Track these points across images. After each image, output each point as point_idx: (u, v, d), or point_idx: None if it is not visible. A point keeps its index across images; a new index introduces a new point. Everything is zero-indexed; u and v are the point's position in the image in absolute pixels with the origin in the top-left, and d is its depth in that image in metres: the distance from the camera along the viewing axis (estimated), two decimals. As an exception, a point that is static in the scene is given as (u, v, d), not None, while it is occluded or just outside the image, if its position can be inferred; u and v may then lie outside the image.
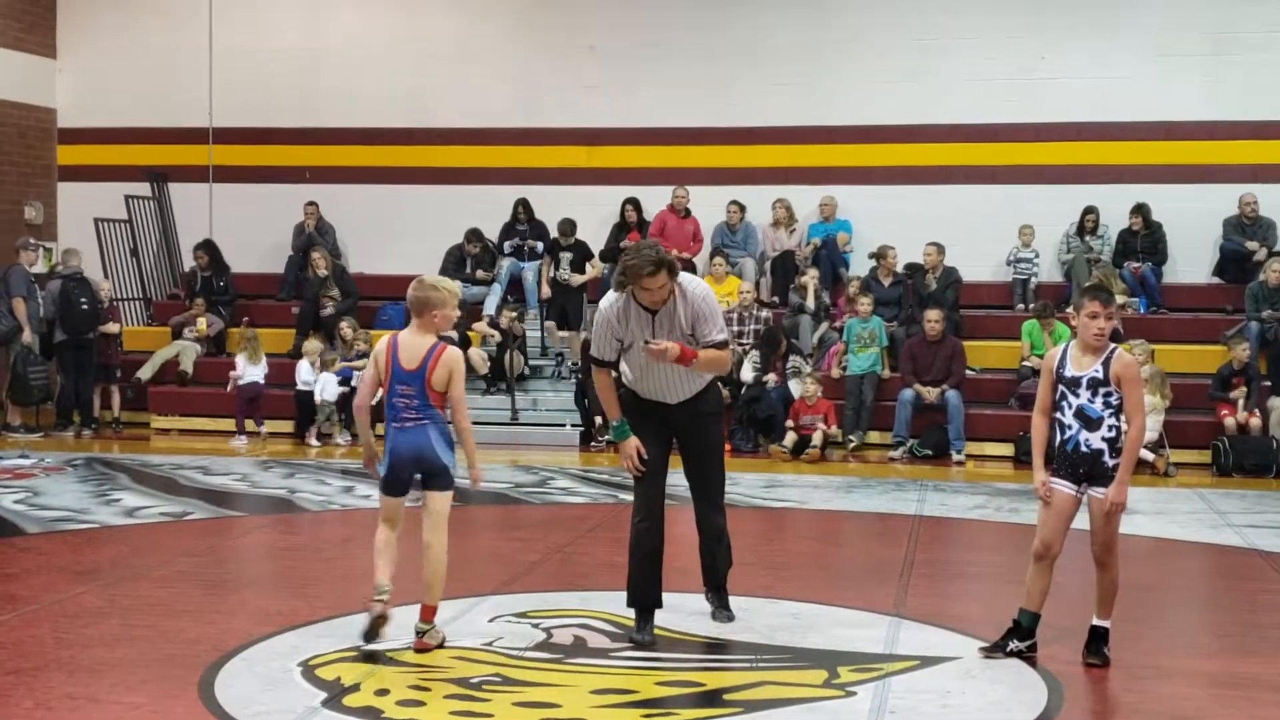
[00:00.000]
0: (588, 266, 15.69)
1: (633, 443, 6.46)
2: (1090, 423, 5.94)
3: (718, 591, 6.89)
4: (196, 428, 15.06)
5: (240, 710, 5.28)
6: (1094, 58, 15.70)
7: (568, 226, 15.76)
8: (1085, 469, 5.98)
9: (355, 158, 17.00)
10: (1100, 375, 5.92)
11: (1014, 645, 6.13)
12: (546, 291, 15.71)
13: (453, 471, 6.26)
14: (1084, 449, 5.96)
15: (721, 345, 6.39)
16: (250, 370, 14.73)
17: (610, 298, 6.44)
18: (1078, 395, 5.96)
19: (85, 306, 14.76)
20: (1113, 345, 6.02)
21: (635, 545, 6.52)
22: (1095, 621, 6.14)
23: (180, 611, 6.87)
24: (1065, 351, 6.08)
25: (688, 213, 15.86)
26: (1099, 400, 5.92)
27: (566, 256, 15.61)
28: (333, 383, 14.33)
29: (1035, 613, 6.14)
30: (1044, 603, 6.15)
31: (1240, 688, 5.91)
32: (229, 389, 14.83)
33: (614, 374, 6.62)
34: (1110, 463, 5.94)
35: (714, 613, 6.85)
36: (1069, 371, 6.01)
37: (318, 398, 14.29)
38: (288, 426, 14.58)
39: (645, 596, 6.50)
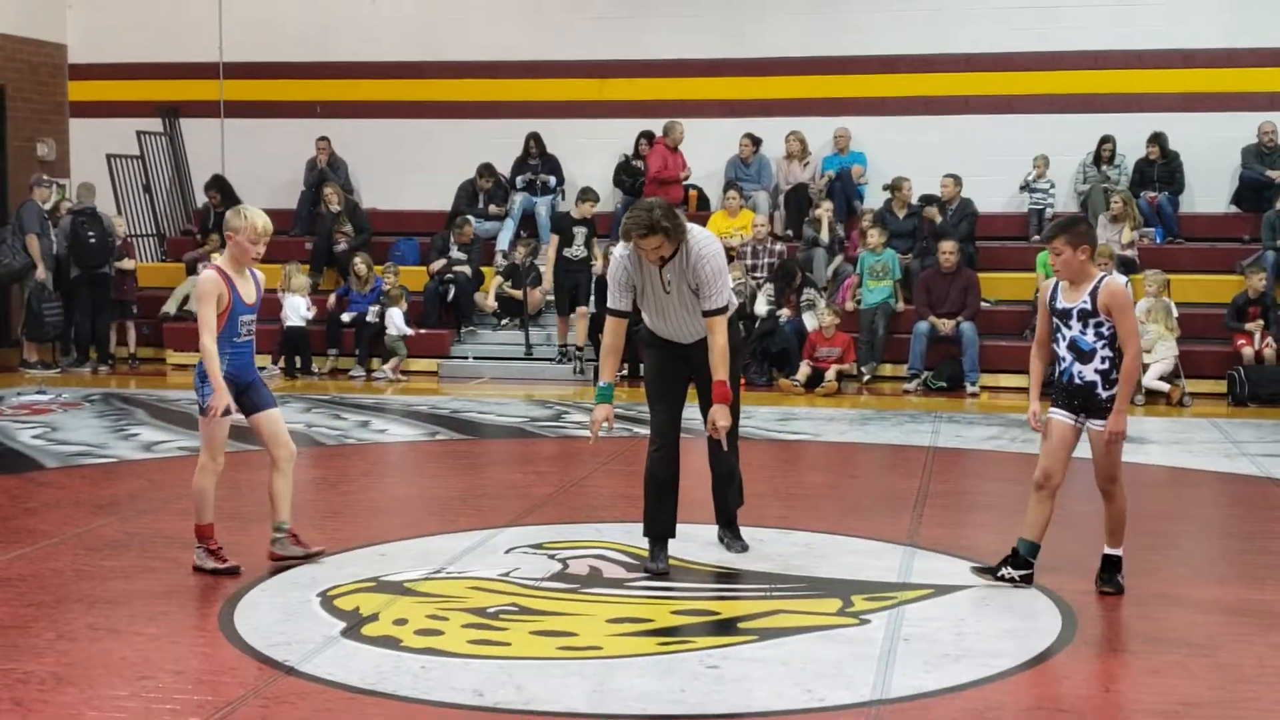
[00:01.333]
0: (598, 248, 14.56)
1: (601, 411, 6.36)
2: (1082, 355, 5.93)
3: (728, 526, 6.93)
4: (212, 363, 15.07)
5: (259, 640, 5.33)
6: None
7: (590, 196, 14.67)
8: (1080, 401, 5.98)
9: (367, 92, 16.91)
10: (1089, 306, 5.90)
11: (1007, 572, 6.13)
12: (548, 282, 14.69)
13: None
14: (1078, 381, 5.96)
15: (720, 311, 6.29)
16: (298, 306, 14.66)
17: (622, 247, 6.42)
18: (1070, 328, 5.96)
19: (94, 240, 14.75)
20: (1101, 274, 5.96)
21: (650, 474, 6.54)
22: (1107, 550, 6.15)
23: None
24: (1057, 284, 6.04)
25: (676, 147, 15.65)
26: (1090, 332, 5.89)
27: (581, 232, 14.40)
28: (301, 307, 14.45)
29: (1033, 542, 6.14)
30: (1044, 533, 6.15)
31: (1253, 615, 5.92)
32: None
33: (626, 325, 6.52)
34: (1104, 395, 5.93)
35: (728, 544, 6.89)
36: (1060, 304, 6.00)
37: (288, 323, 14.40)
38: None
39: (659, 526, 6.53)
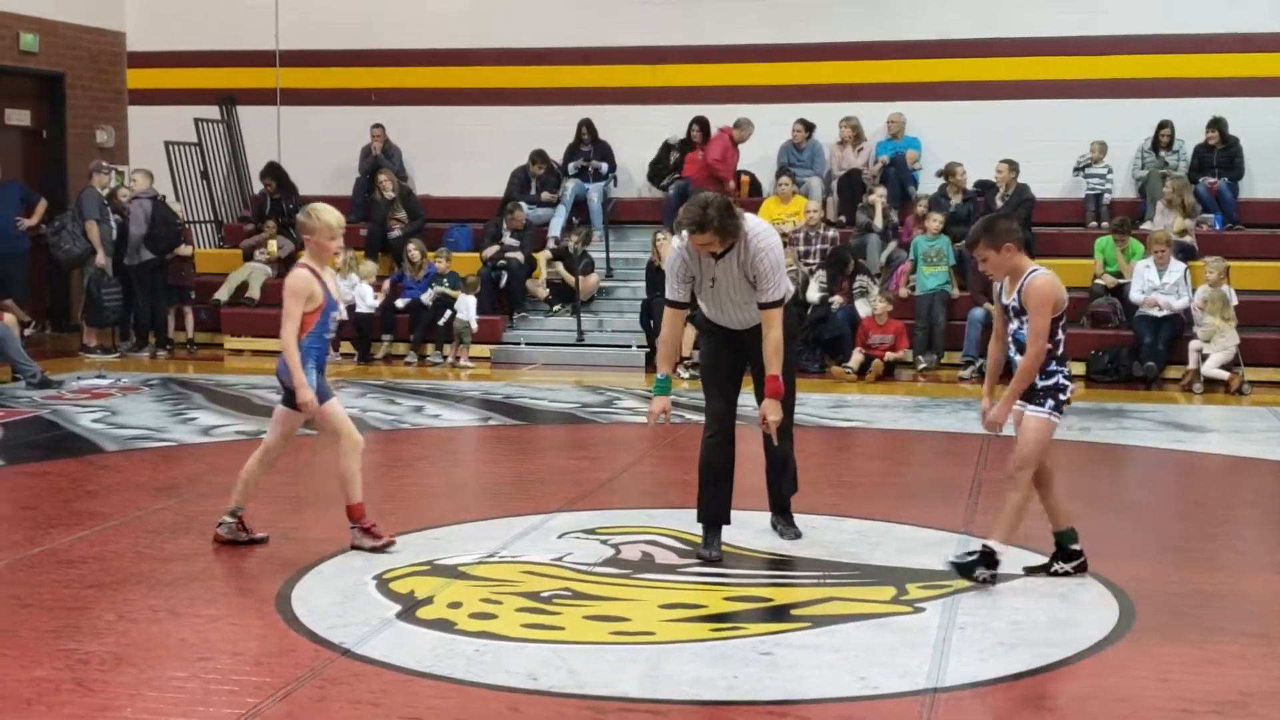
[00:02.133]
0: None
1: (659, 403, 6.46)
2: (1022, 347, 5.88)
3: (782, 513, 6.94)
4: (269, 349, 15.22)
5: (316, 622, 5.39)
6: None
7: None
8: (1025, 391, 5.90)
9: (420, 79, 16.98)
10: (1016, 303, 5.86)
11: (1059, 567, 6.08)
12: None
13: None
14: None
15: (776, 304, 6.31)
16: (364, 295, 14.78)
17: (679, 238, 6.49)
18: (1011, 322, 5.95)
19: (177, 225, 14.98)
20: (1032, 269, 5.83)
21: (705, 460, 6.57)
22: (985, 541, 5.94)
23: (257, 526, 6.97)
24: (1003, 280, 5.99)
25: (738, 143, 15.62)
26: (1026, 327, 5.84)
27: None
28: (369, 294, 14.56)
29: (1065, 530, 6.08)
30: (1066, 519, 6.08)
31: (1314, 605, 5.86)
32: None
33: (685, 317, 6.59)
34: (1040, 384, 5.82)
35: (781, 530, 6.89)
36: (1003, 299, 6.00)
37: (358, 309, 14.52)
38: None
39: (713, 512, 6.54)
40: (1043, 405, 5.81)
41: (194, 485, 8.11)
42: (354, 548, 6.43)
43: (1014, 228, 6.01)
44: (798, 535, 6.84)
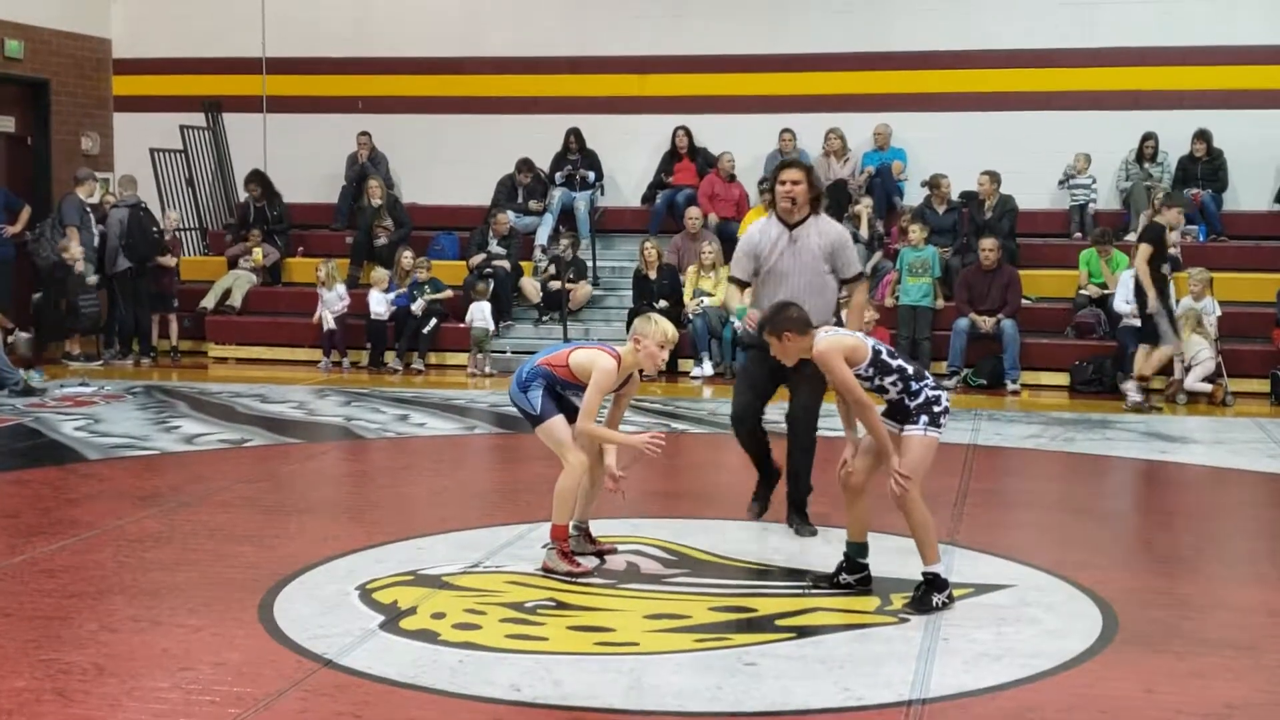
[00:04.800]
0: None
1: (755, 312, 6.94)
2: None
3: (798, 513, 7.26)
4: (253, 356, 15.20)
5: (299, 632, 5.36)
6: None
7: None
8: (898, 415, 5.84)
9: (407, 87, 16.97)
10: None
11: (844, 578, 6.03)
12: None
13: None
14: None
15: (859, 277, 7.32)
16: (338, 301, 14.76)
17: (760, 220, 7.38)
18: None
19: (156, 234, 14.93)
20: (815, 338, 5.75)
21: (743, 446, 7.41)
22: (921, 570, 5.78)
23: (240, 536, 6.97)
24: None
25: (732, 178, 15.72)
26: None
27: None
28: (384, 301, 14.49)
29: (860, 544, 6.04)
30: (863, 534, 6.02)
31: (1298, 617, 5.87)
32: (317, 322, 14.70)
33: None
34: (909, 404, 5.73)
35: (797, 529, 7.18)
36: None
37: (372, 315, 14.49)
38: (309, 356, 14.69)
39: (761, 476, 7.43)
40: (917, 422, 5.71)
41: (177, 494, 8.07)
42: (544, 568, 6.22)
43: (791, 314, 5.83)
44: (813, 532, 7.11)
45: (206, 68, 17.38)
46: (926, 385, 5.78)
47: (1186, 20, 15.29)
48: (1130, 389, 12.05)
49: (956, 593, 5.94)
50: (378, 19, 17.14)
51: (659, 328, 6.33)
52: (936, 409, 5.75)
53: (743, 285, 7.29)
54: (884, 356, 5.76)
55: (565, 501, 6.28)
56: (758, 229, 7.30)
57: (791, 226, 7.16)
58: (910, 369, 5.79)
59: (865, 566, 6.06)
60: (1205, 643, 5.40)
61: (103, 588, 6.02)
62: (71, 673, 4.89)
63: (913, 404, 5.75)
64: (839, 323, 7.25)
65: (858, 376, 5.72)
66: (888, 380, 5.76)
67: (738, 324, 7.48)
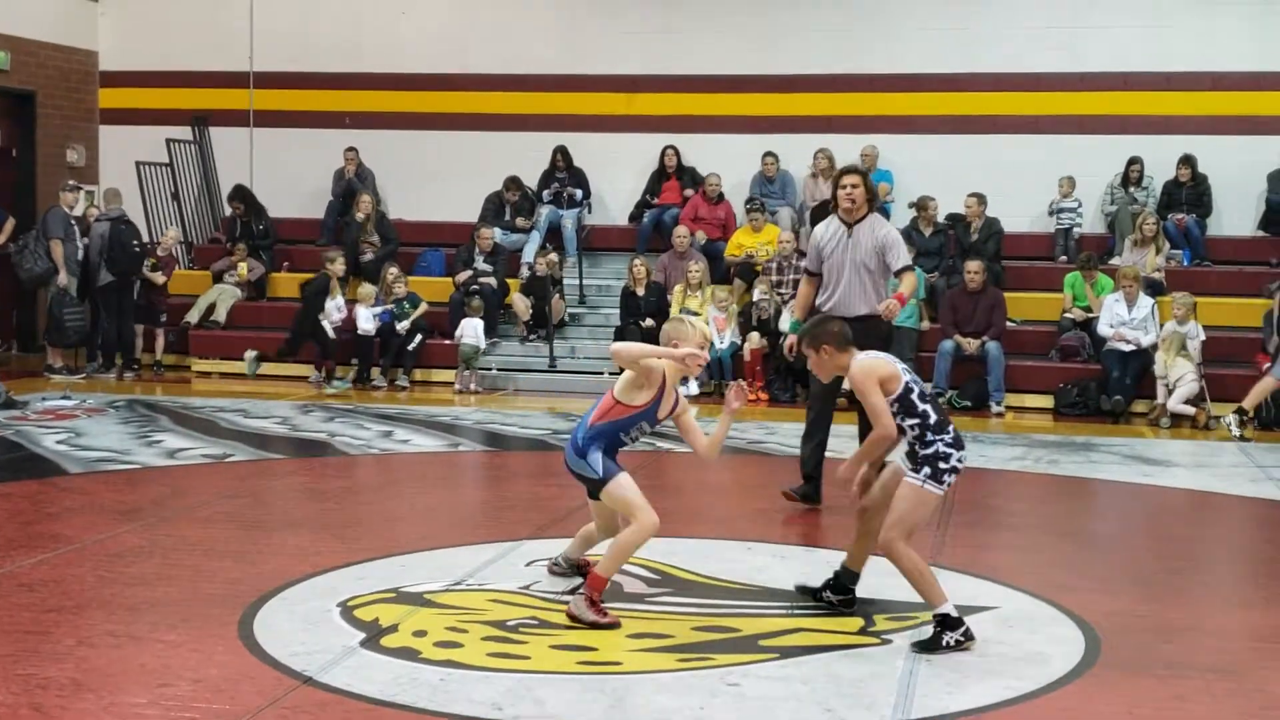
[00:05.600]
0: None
1: (792, 340, 8.02)
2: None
3: (810, 483, 8.34)
4: (237, 371, 15.15)
5: (279, 649, 5.33)
6: (1141, 6, 15.48)
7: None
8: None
9: (395, 103, 16.98)
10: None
11: (829, 596, 6.01)
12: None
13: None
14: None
15: (909, 268, 8.41)
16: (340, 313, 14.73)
17: (825, 221, 8.52)
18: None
19: (137, 247, 14.89)
20: (851, 359, 5.71)
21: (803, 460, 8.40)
22: (932, 613, 5.58)
23: (221, 552, 6.93)
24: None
25: (720, 197, 15.77)
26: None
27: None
28: (370, 317, 14.45)
29: (853, 572, 6.00)
30: (860, 565, 5.98)
31: (1278, 640, 5.87)
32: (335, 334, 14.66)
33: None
34: (919, 452, 5.62)
35: (806, 493, 8.30)
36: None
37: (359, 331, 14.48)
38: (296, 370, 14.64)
39: (803, 466, 8.38)
40: (918, 472, 5.60)
41: (158, 509, 8.03)
42: (569, 615, 5.79)
43: (832, 329, 5.81)
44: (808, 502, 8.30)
45: (193, 81, 17.37)
46: (942, 440, 5.61)
47: (1172, 46, 15.38)
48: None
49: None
50: (366, 34, 17.15)
51: (695, 329, 6.11)
52: (942, 465, 5.58)
53: (812, 275, 8.46)
54: (914, 397, 5.62)
55: (622, 556, 5.90)
56: (823, 227, 8.49)
57: (850, 225, 8.27)
58: (933, 419, 5.63)
59: (851, 593, 6.02)
60: (1187, 666, 5.40)
61: (81, 602, 5.98)
62: (49, 688, 4.86)
63: (921, 453, 5.63)
64: (872, 313, 8.18)
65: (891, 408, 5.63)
66: (908, 423, 5.61)
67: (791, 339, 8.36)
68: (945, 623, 5.54)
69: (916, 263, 14.14)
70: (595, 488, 6.01)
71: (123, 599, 6.02)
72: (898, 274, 8.35)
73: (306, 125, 17.13)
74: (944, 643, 5.50)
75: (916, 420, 5.62)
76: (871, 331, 7.97)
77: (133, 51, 17.58)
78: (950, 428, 5.69)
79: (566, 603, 5.90)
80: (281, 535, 7.45)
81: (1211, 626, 6.07)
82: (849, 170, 8.43)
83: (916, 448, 5.64)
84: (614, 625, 5.74)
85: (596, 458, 5.93)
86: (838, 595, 6.04)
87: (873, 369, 5.68)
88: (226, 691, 4.88)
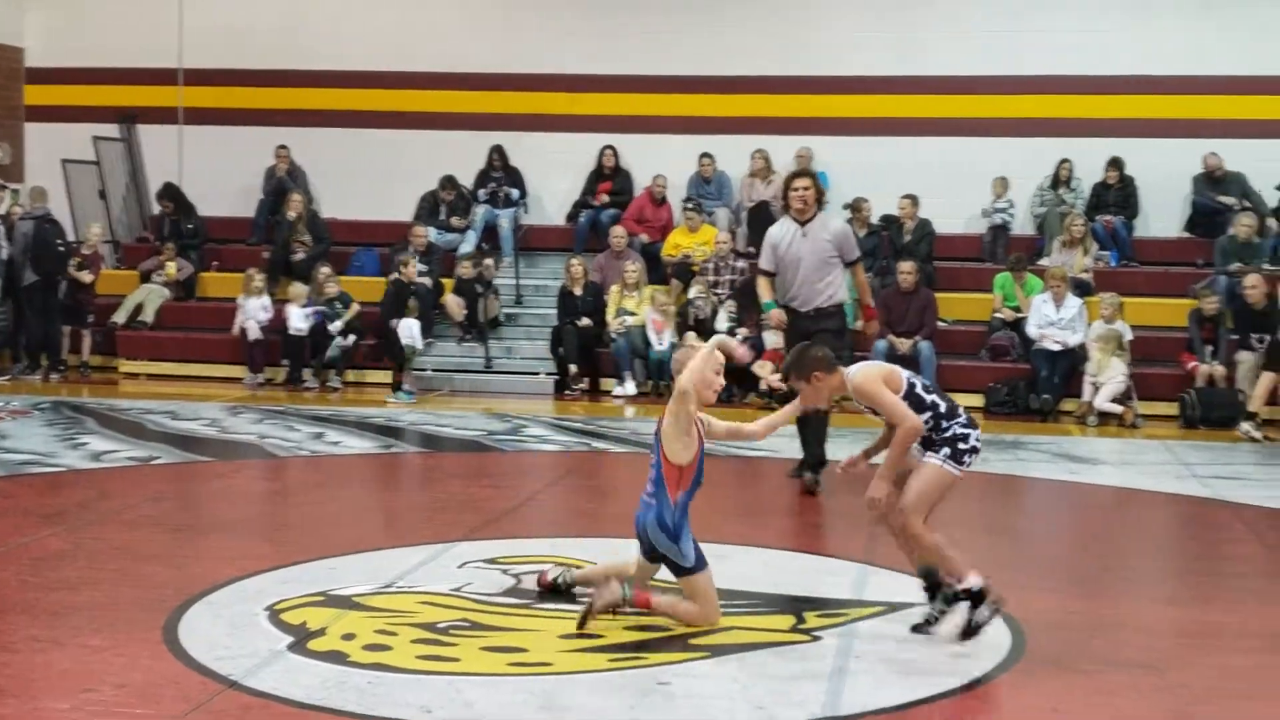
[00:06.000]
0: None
1: (777, 313, 8.97)
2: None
3: (815, 470, 8.93)
4: (165, 372, 14.97)
5: (204, 653, 5.26)
6: (1074, 11, 15.66)
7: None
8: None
9: (328, 101, 16.84)
10: (860, 405, 5.80)
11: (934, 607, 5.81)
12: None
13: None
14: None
15: (858, 260, 9.12)
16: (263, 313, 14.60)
17: (778, 223, 9.16)
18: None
19: (61, 247, 14.66)
20: (845, 373, 5.74)
21: (799, 424, 8.81)
22: (958, 587, 5.60)
23: (147, 555, 6.84)
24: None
25: (664, 200, 15.79)
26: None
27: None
28: (302, 317, 14.33)
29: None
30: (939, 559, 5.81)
31: (1202, 636, 5.97)
32: (239, 333, 14.61)
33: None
34: (934, 438, 5.65)
35: (810, 482, 8.87)
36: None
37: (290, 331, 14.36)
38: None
39: (811, 457, 8.85)
40: (938, 452, 5.64)
41: (82, 512, 7.91)
42: (593, 600, 5.72)
43: (816, 355, 5.80)
44: (817, 483, 8.86)
45: (122, 78, 17.14)
46: (957, 422, 5.65)
47: (1102, 51, 15.57)
48: (1248, 429, 12.01)
49: (867, 611, 5.98)
50: (298, 32, 16.99)
51: (699, 348, 6.00)
52: (962, 446, 5.61)
53: (768, 275, 9.02)
54: (919, 390, 5.65)
55: (672, 615, 5.75)
56: (777, 228, 9.08)
57: (803, 223, 8.86)
58: (943, 406, 5.67)
59: (940, 582, 5.73)
60: (1112, 662, 5.46)
61: (3, 607, 5.87)
62: (-33, 694, 4.77)
63: (938, 436, 5.65)
64: (827, 304, 8.89)
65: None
66: (921, 416, 5.62)
67: (764, 318, 9.31)
68: (973, 598, 5.53)
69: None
70: (677, 572, 5.83)
71: (45, 603, 5.93)
72: (849, 265, 9.05)
73: (237, 123, 16.94)
74: (975, 622, 5.49)
75: (929, 412, 5.65)
76: (827, 324, 8.82)
77: (60, 48, 17.31)
78: (961, 410, 5.75)
79: (499, 604, 5.88)
80: (208, 539, 7.37)
81: (1136, 623, 6.15)
82: (800, 173, 9.09)
83: (933, 435, 5.66)
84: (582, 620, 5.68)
85: (689, 545, 5.77)
86: (937, 594, 5.74)
87: (872, 373, 5.71)
88: (150, 696, 4.82)
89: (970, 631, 5.55)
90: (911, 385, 5.68)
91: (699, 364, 5.74)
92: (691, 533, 5.80)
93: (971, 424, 5.73)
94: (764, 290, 9.15)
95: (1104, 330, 13.06)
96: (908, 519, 5.62)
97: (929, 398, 5.68)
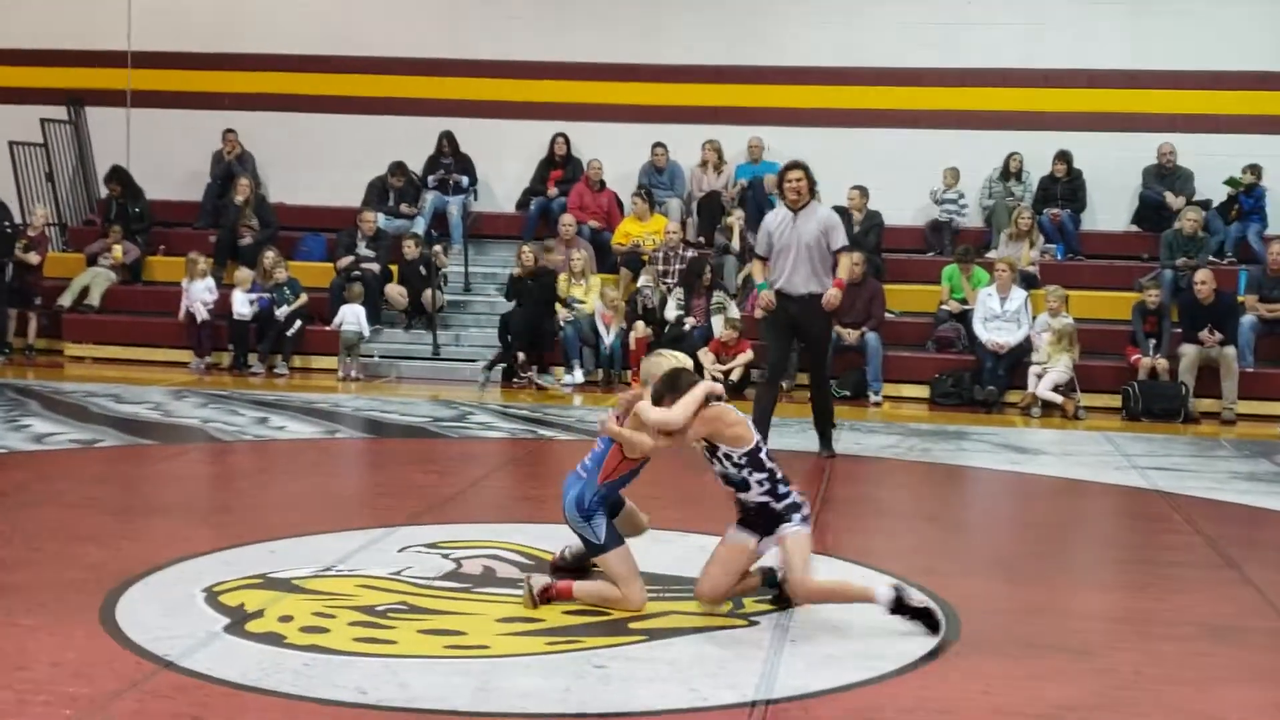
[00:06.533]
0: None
1: (766, 294, 9.60)
2: (736, 486, 5.74)
3: (824, 442, 9.85)
4: (111, 356, 14.85)
5: (140, 634, 5.24)
6: (1019, 5, 15.81)
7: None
8: (762, 522, 5.74)
9: (277, 85, 16.75)
10: (706, 444, 5.71)
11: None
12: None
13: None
14: (750, 506, 5.77)
15: (846, 249, 9.66)
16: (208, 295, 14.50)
17: (773, 211, 9.97)
18: (713, 464, 5.80)
19: (9, 229, 14.52)
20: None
21: (756, 398, 9.76)
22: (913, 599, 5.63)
23: (85, 537, 6.80)
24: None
25: (602, 185, 15.81)
26: (727, 463, 5.69)
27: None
28: (247, 302, 14.24)
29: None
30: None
31: (1133, 623, 6.05)
32: (185, 318, 14.53)
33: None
34: (776, 507, 5.66)
35: (820, 452, 9.80)
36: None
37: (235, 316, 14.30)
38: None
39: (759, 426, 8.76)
40: (792, 520, 5.65)
41: (20, 493, 7.85)
42: (529, 587, 5.81)
43: (690, 379, 5.73)
44: (832, 454, 9.80)
45: (69, 60, 16.99)
46: (794, 491, 5.72)
47: (1050, 45, 15.75)
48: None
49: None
50: (247, 14, 16.90)
51: (672, 358, 6.00)
52: (806, 510, 5.71)
53: (763, 260, 9.68)
54: (762, 455, 5.67)
55: (598, 602, 5.81)
56: (772, 215, 9.81)
57: (795, 211, 9.46)
58: (780, 474, 5.71)
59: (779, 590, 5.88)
60: (1042, 647, 5.54)
61: (-63, 588, 5.83)
62: (-103, 674, 4.74)
63: (780, 505, 5.66)
64: (818, 290, 9.47)
65: (730, 462, 5.62)
66: (755, 477, 5.64)
67: (756, 294, 10.01)
68: (899, 606, 5.55)
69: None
70: (593, 552, 5.92)
71: (-20, 584, 5.89)
72: (835, 253, 9.57)
73: (186, 106, 16.83)
74: (909, 611, 5.55)
75: (765, 475, 5.65)
76: (815, 308, 9.52)
77: (6, 29, 17.14)
78: (792, 485, 5.75)
79: (438, 588, 5.88)
80: (149, 521, 7.33)
81: (1068, 609, 6.24)
82: (792, 165, 9.56)
83: (771, 503, 5.65)
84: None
85: (601, 524, 5.84)
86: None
87: (723, 415, 5.65)
88: (84, 675, 4.80)
89: (903, 610, 5.60)
90: (758, 448, 5.65)
91: (692, 408, 5.60)
92: (606, 517, 5.86)
93: (801, 500, 5.74)
94: (758, 272, 9.90)
95: (1060, 325, 13.18)
96: (808, 583, 5.62)
97: (770, 463, 5.68)
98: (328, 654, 5.12)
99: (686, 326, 13.96)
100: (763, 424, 9.23)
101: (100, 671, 4.85)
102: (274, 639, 5.28)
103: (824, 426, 9.97)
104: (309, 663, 5.01)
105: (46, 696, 4.58)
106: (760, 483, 5.67)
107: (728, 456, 5.67)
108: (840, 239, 9.62)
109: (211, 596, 5.81)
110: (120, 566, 6.22)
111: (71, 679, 4.77)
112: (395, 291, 14.90)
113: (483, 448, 10.51)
